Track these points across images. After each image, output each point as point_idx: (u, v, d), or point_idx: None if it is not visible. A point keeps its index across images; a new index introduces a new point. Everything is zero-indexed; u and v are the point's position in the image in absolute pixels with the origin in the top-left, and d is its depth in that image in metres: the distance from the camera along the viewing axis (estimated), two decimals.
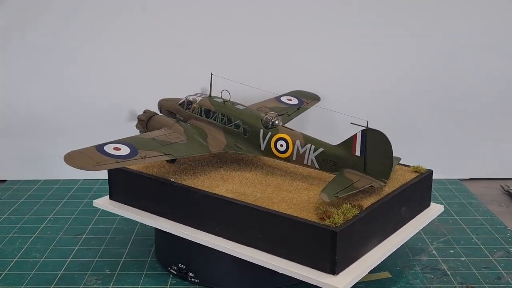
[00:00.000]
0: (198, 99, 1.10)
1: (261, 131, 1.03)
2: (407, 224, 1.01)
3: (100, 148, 0.94)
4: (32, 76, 1.44)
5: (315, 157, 0.97)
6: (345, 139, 0.95)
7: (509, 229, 1.20)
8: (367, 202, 0.92)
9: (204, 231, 0.96)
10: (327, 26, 1.43)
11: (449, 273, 1.02)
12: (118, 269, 1.04)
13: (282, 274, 0.96)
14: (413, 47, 1.44)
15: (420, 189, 1.04)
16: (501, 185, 1.46)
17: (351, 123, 0.92)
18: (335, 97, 1.39)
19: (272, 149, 1.02)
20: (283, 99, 1.25)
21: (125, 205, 1.05)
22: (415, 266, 1.05)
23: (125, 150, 0.95)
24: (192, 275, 0.99)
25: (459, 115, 1.48)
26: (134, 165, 1.04)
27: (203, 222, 0.96)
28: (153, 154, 0.96)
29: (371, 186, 0.94)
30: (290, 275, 0.87)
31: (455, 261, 1.07)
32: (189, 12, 1.42)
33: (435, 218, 1.20)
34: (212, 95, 1.11)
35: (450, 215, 1.27)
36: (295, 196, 0.95)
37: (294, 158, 1.00)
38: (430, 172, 1.06)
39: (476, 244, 1.13)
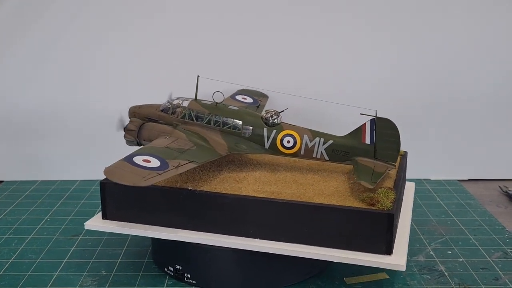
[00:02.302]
0: (184, 103, 1.07)
1: (265, 129, 1.04)
2: (403, 201, 1.11)
3: (130, 161, 0.91)
4: (29, 77, 1.44)
5: (325, 149, 1.02)
6: (350, 130, 1.02)
7: (507, 230, 1.19)
8: (385, 185, 0.99)
9: (236, 235, 0.95)
10: (325, 24, 1.42)
11: (446, 274, 1.02)
12: (114, 270, 1.03)
13: (280, 274, 0.97)
14: (414, 48, 1.43)
15: (404, 169, 1.13)
16: (499, 186, 1.45)
17: (360, 113, 0.98)
18: (333, 97, 1.39)
19: (278, 146, 1.04)
20: (238, 97, 1.25)
21: (129, 223, 0.99)
22: (412, 267, 1.04)
23: (155, 162, 0.92)
24: (189, 276, 0.98)
25: (458, 116, 1.48)
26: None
27: (235, 226, 0.95)
28: (181, 163, 0.94)
29: (388, 170, 1.00)
30: (348, 262, 0.91)
31: (452, 262, 1.06)
32: (185, 14, 1.42)
33: (433, 218, 1.25)
34: (194, 97, 1.09)
35: (448, 216, 1.27)
36: (321, 188, 0.98)
37: (302, 153, 1.03)
38: (406, 153, 1.17)
39: (474, 245, 1.13)
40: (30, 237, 1.16)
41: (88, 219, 1.22)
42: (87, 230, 1.18)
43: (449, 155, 1.50)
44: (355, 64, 1.44)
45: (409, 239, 1.09)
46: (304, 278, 1.00)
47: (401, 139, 1.00)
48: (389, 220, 0.90)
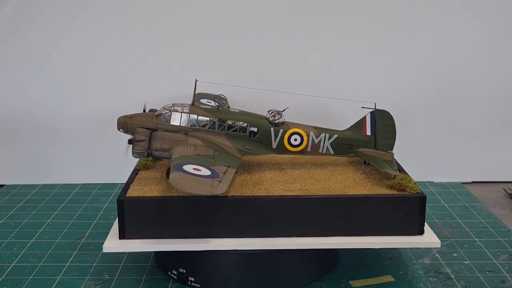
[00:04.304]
0: (183, 109, 1.04)
1: (272, 129, 1.05)
2: None
3: (184, 171, 0.88)
4: (30, 80, 1.43)
5: (330, 144, 1.07)
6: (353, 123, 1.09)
7: None
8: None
9: (273, 236, 0.94)
10: (326, 24, 1.42)
11: (452, 276, 1.01)
12: (117, 274, 1.02)
13: (284, 277, 0.97)
14: (417, 51, 1.43)
15: None
16: (503, 188, 1.45)
17: (362, 107, 1.07)
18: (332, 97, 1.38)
19: (286, 145, 1.06)
20: (203, 101, 1.21)
21: (152, 239, 0.94)
22: (418, 269, 1.04)
23: (205, 170, 0.90)
24: (193, 279, 0.97)
25: (461, 118, 1.47)
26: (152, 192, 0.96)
27: (271, 227, 0.95)
28: (224, 169, 0.92)
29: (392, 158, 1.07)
30: (387, 247, 0.98)
31: (458, 264, 1.05)
32: (184, 15, 1.41)
33: (438, 221, 1.24)
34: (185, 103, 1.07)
35: (453, 218, 1.26)
36: (341, 181, 1.02)
37: (309, 149, 1.07)
38: None
39: (479, 248, 1.12)
40: (32, 241, 1.15)
41: (91, 223, 1.23)
42: (90, 233, 1.18)
43: (453, 157, 1.49)
44: (355, 66, 1.44)
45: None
46: (310, 281, 0.99)
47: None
48: (422, 202, 0.96)
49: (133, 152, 0.99)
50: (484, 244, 1.13)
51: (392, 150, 1.09)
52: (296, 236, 0.95)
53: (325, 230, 0.95)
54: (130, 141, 1.00)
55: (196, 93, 1.24)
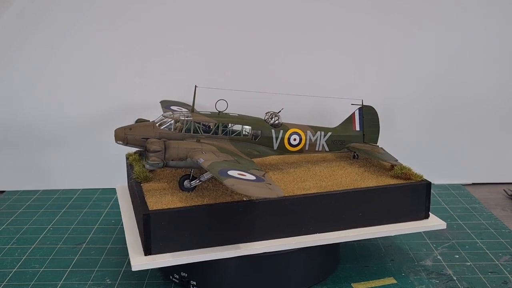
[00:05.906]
0: (185, 116, 1.01)
1: (273, 131, 1.06)
2: None
3: (233, 177, 0.86)
4: (30, 86, 1.43)
5: (326, 141, 1.11)
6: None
7: None
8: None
9: (297, 235, 0.96)
10: (322, 28, 1.42)
11: (455, 278, 1.01)
12: (119, 278, 1.02)
13: (286, 280, 0.96)
14: (417, 53, 1.43)
15: None
16: (504, 190, 1.45)
17: (351, 104, 1.15)
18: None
19: (286, 146, 1.08)
20: (174, 108, 1.19)
21: (181, 252, 0.91)
22: (420, 271, 1.04)
23: (249, 175, 0.88)
24: (194, 283, 0.97)
25: (461, 120, 1.47)
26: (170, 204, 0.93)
27: (295, 226, 0.96)
28: (259, 172, 0.91)
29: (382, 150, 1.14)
30: (402, 233, 1.03)
31: (460, 266, 1.05)
32: (179, 24, 1.42)
33: None
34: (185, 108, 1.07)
35: (454, 220, 1.26)
36: (346, 175, 1.06)
37: (307, 148, 1.10)
38: None
39: (481, 249, 1.12)
40: (33, 246, 1.15)
41: (92, 228, 1.23)
42: (91, 238, 1.18)
43: (453, 159, 1.49)
44: (355, 68, 1.44)
45: (415, 243, 1.14)
46: (312, 283, 0.99)
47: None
48: (428, 188, 1.03)
49: (147, 164, 0.94)
50: (485, 246, 1.13)
51: (376, 143, 1.16)
52: (319, 232, 0.97)
53: (345, 224, 0.99)
54: (143, 153, 0.96)
55: (160, 101, 1.25)
